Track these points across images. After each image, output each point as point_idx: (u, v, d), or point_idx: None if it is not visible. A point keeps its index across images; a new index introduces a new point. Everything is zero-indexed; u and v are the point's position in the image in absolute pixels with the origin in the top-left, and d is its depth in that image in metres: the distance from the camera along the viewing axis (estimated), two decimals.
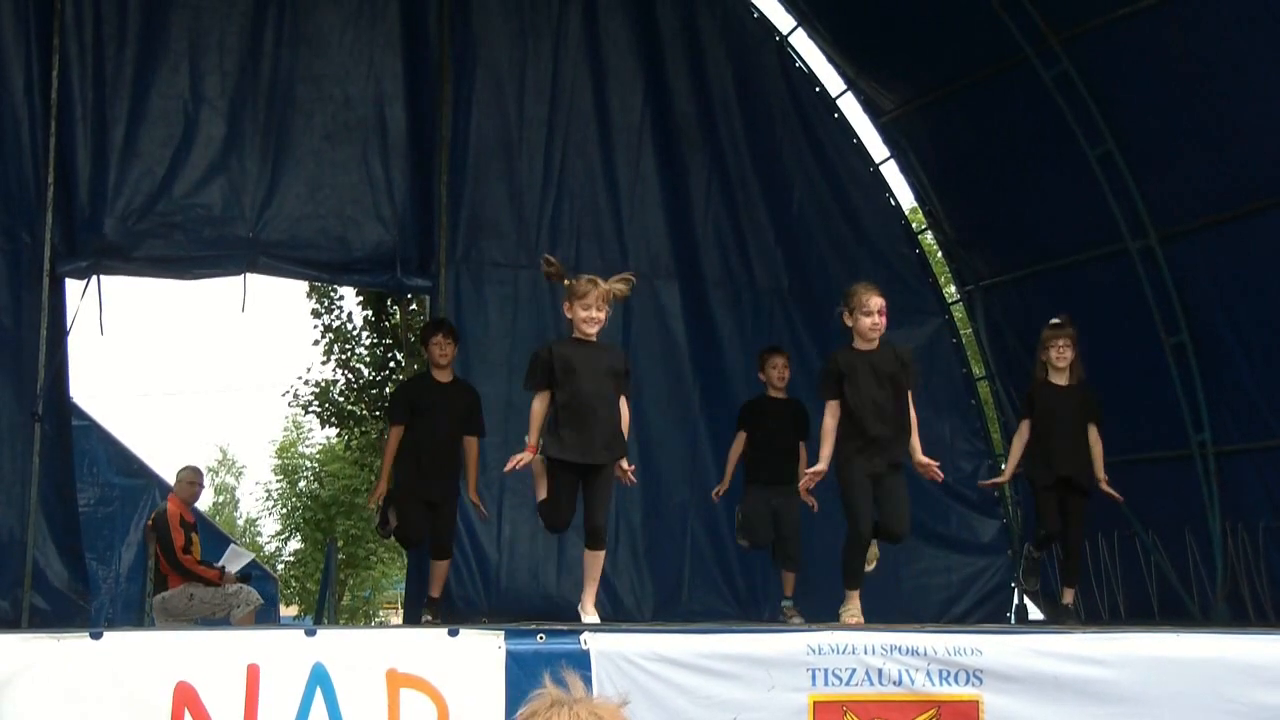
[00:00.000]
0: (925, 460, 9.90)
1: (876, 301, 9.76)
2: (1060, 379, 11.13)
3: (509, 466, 9.21)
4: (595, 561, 9.38)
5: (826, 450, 9.74)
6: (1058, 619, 11.20)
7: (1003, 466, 13.10)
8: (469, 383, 11.54)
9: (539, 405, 9.16)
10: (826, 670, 7.89)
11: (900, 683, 7.94)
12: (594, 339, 9.21)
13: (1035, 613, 13.24)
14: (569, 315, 9.22)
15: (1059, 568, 11.59)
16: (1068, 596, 11.29)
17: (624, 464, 9.34)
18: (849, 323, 9.85)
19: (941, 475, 10.12)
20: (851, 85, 15.02)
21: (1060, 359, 11.08)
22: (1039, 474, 11.18)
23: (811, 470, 9.91)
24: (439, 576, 11.18)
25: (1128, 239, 12.96)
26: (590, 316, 9.11)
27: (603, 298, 9.14)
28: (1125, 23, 12.29)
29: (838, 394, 9.75)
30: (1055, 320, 11.25)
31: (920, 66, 14.22)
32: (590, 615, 9.15)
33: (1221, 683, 8.15)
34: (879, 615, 9.77)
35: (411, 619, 12.06)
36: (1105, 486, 11.19)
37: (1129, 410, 11.53)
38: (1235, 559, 12.49)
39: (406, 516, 11.04)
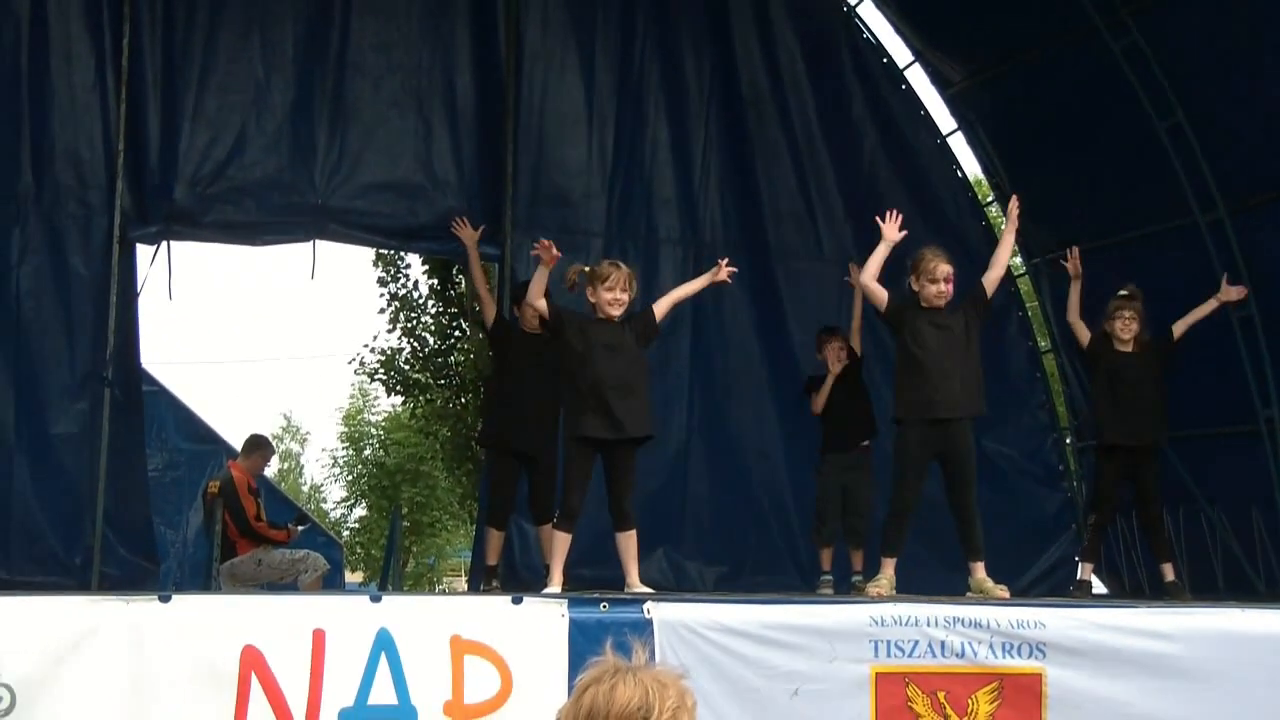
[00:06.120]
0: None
1: (944, 269, 9.44)
2: (1125, 348, 10.91)
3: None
4: (629, 542, 9.26)
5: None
6: (1167, 597, 10.80)
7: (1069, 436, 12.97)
8: None
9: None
10: (889, 642, 7.91)
11: (963, 655, 7.95)
12: (616, 321, 9.17)
13: (1099, 587, 13.18)
14: (592, 300, 9.21)
15: (1151, 546, 11.32)
16: (1169, 574, 10.87)
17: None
18: (915, 288, 9.53)
19: None
20: (919, 57, 14.93)
21: (1125, 331, 10.85)
22: (1106, 433, 10.91)
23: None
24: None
25: (1196, 212, 12.84)
26: (615, 299, 9.09)
27: (627, 280, 9.14)
28: None
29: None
30: (1124, 291, 10.99)
31: (988, 38, 14.11)
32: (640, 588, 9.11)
33: None
34: (943, 588, 9.75)
35: (476, 586, 12.08)
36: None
37: (1196, 385, 11.43)
38: None
39: (498, 472, 11.04)
